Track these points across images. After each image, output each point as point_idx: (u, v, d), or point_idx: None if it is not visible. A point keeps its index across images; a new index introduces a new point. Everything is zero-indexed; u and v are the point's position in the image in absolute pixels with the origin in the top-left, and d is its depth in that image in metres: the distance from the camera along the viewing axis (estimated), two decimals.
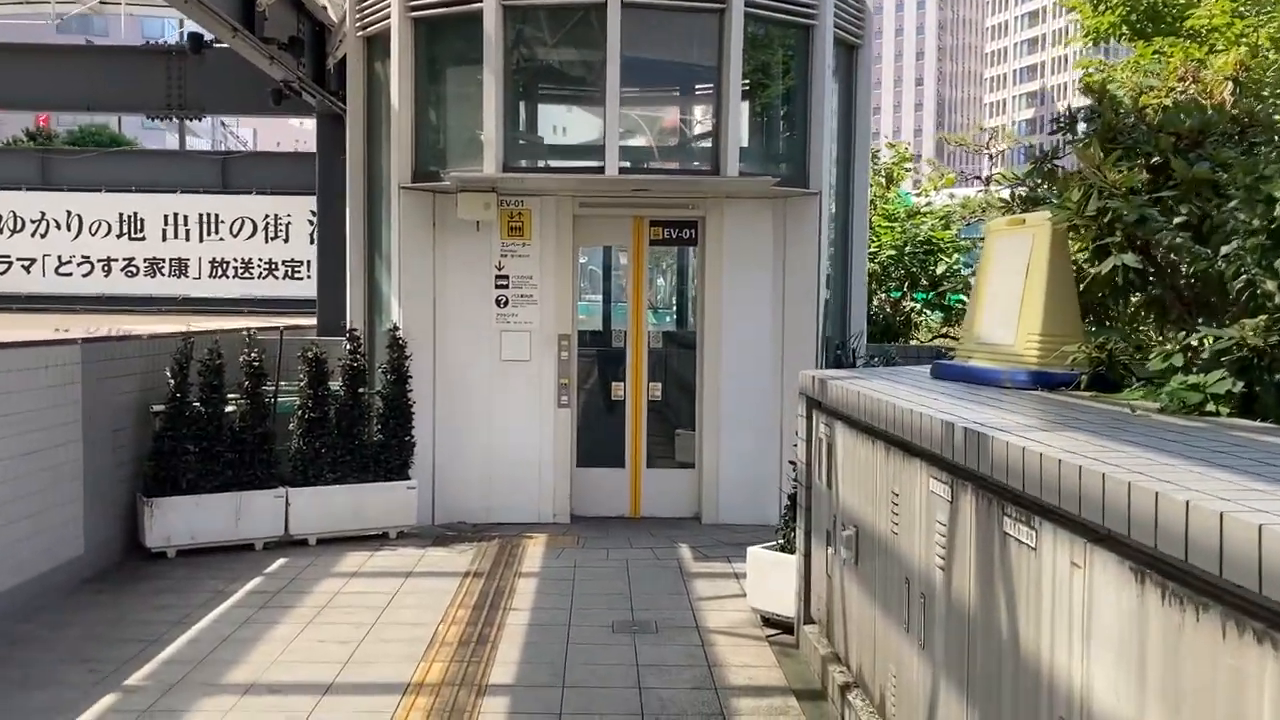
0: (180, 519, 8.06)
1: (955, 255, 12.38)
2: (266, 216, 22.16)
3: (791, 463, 6.56)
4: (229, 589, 7.25)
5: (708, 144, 9.09)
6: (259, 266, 22.42)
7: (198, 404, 8.24)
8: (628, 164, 8.74)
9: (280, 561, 7.99)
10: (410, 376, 8.88)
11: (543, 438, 9.38)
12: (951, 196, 15.54)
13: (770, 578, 6.46)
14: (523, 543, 8.65)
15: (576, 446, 9.56)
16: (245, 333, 8.70)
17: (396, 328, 8.97)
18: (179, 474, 8.10)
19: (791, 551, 6.41)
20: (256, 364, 8.49)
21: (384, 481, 8.72)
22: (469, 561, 8.04)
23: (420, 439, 8.99)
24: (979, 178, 16.74)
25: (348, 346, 8.81)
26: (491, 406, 9.36)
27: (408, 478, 8.82)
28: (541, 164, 9.23)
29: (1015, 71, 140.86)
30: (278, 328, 9.62)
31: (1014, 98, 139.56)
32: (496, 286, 9.37)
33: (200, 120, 14.35)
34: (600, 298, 10.14)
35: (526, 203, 9.35)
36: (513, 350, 9.37)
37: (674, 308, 10.13)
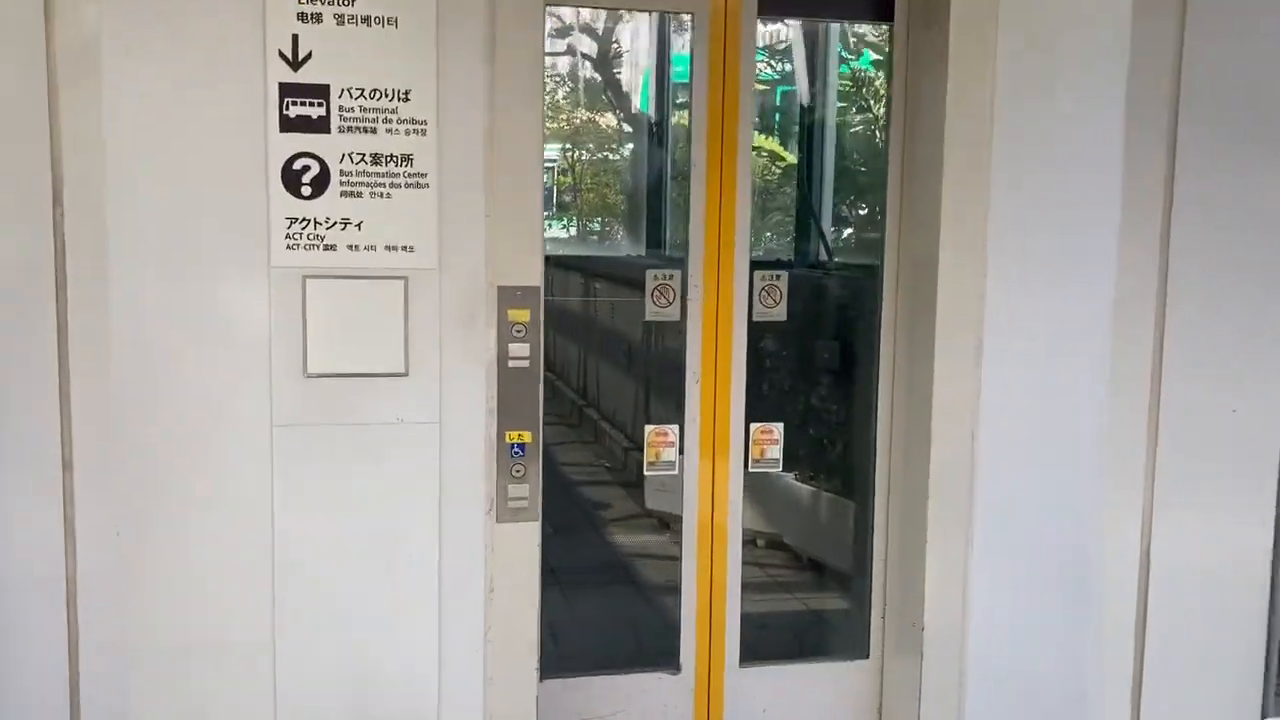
0: None
1: None
2: None
3: None
4: None
5: None
6: None
7: None
8: None
9: None
10: None
11: (453, 611, 2.97)
12: None
13: None
14: None
15: (547, 622, 3.21)
16: None
17: None
18: None
19: None
20: None
21: None
22: None
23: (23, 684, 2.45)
24: None
25: None
26: (283, 530, 2.86)
27: None
28: None
29: None
30: None
31: None
32: (286, 126, 2.78)
33: None
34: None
35: None
36: (343, 344, 2.86)
37: (817, 210, 3.85)
